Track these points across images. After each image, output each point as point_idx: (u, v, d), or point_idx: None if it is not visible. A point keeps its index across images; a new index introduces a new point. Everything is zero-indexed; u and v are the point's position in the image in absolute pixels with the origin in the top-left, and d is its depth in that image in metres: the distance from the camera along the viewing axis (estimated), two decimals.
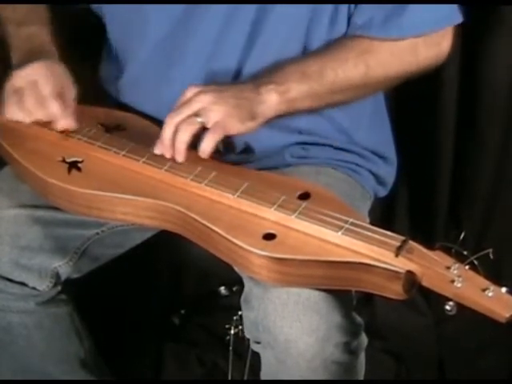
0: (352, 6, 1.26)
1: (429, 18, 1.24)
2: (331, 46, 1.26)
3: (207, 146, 1.15)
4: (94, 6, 1.38)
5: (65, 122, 1.25)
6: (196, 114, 1.15)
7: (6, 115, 1.26)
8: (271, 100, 1.18)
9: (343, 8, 1.26)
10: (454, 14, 1.27)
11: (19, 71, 1.24)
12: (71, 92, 1.26)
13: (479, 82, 1.76)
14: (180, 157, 1.16)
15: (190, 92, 1.17)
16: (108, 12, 1.35)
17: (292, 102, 1.20)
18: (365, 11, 1.25)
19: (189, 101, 1.16)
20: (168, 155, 1.17)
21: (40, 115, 1.25)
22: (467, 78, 1.74)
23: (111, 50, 1.39)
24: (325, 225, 1.07)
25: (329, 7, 1.25)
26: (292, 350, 1.11)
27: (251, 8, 1.24)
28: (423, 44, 1.25)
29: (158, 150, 1.19)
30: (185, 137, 1.15)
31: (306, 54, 1.26)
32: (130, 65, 1.35)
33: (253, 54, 1.27)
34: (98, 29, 1.40)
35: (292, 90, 1.19)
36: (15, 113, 1.25)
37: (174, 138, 1.16)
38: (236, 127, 1.16)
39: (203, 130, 1.16)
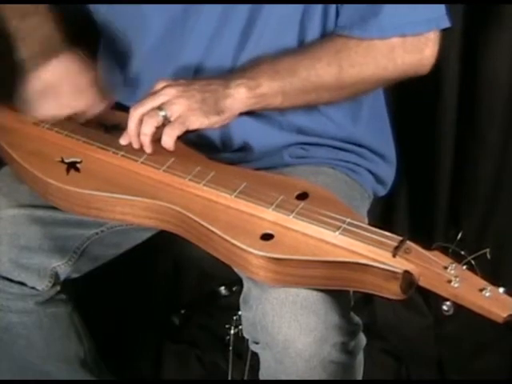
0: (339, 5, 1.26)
1: (410, 19, 1.21)
2: (308, 45, 1.26)
3: (166, 140, 1.16)
4: (91, 6, 1.37)
5: (104, 105, 1.27)
6: (159, 108, 1.16)
7: (41, 112, 1.26)
8: (239, 94, 1.18)
9: (332, 8, 1.26)
10: (440, 19, 1.23)
11: (44, 68, 1.24)
12: (95, 75, 1.27)
13: (479, 81, 1.76)
14: (146, 148, 1.18)
15: (158, 85, 1.19)
16: (105, 12, 1.35)
17: (262, 97, 1.20)
18: (346, 11, 1.24)
19: (154, 94, 1.17)
20: (136, 145, 1.19)
21: (80, 106, 1.26)
22: (467, 77, 1.74)
23: (108, 50, 1.39)
24: (322, 225, 1.07)
25: (319, 8, 1.25)
26: (290, 349, 1.11)
27: (245, 6, 1.24)
28: (401, 48, 1.22)
29: (124, 141, 1.21)
30: (147, 129, 1.16)
31: (283, 51, 1.25)
32: (127, 64, 1.35)
33: (246, 50, 1.27)
34: (95, 28, 1.40)
35: (263, 85, 1.19)
36: (52, 108, 1.26)
37: (138, 129, 1.18)
38: (198, 121, 1.16)
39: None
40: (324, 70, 1.21)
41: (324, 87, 1.23)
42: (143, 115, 1.17)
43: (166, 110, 1.16)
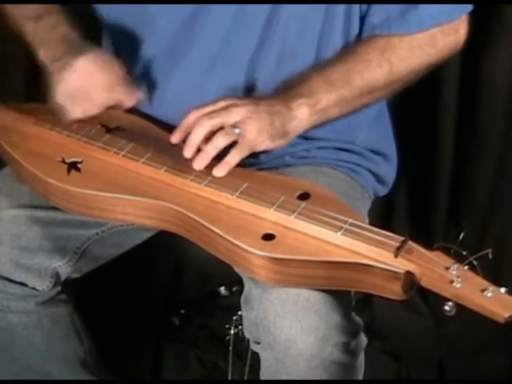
0: (364, 6, 1.26)
1: (445, 8, 1.25)
2: (350, 49, 1.26)
3: (233, 159, 1.14)
4: (97, 7, 1.37)
5: (135, 98, 1.27)
6: (233, 126, 1.14)
7: (77, 115, 1.25)
8: (302, 114, 1.18)
9: (355, 8, 1.26)
10: (466, 3, 1.28)
11: (70, 71, 1.23)
12: (121, 70, 1.27)
13: (479, 81, 1.76)
14: (203, 162, 1.14)
15: (225, 102, 1.16)
16: (111, 12, 1.34)
17: (323, 111, 1.20)
18: (380, 10, 1.25)
19: (225, 110, 1.15)
20: (189, 155, 1.15)
21: (112, 102, 1.26)
22: (467, 77, 1.74)
23: (113, 50, 1.39)
24: (324, 225, 1.07)
25: (341, 8, 1.26)
26: (291, 349, 1.11)
27: (262, 9, 1.24)
28: (441, 33, 1.26)
29: (175, 140, 1.17)
30: (220, 144, 1.13)
31: (327, 60, 1.25)
32: (132, 64, 1.35)
33: (265, 53, 1.26)
34: (100, 28, 1.40)
35: (322, 100, 1.19)
36: (86, 110, 1.25)
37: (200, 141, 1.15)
38: (265, 144, 1.15)
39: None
40: (375, 72, 1.23)
41: (377, 88, 1.24)
42: (215, 128, 1.14)
43: (240, 130, 1.14)
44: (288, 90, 1.20)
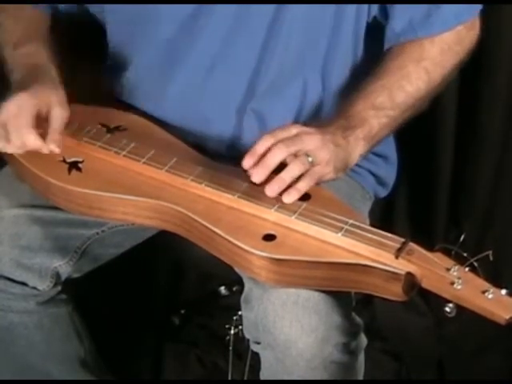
0: (372, 7, 1.26)
1: (465, 5, 1.26)
2: (386, 64, 1.25)
3: (303, 187, 1.11)
4: (95, 8, 1.37)
5: (46, 149, 1.21)
6: (306, 154, 1.12)
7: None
8: (360, 146, 1.18)
9: (363, 11, 1.26)
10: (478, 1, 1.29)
11: (4, 104, 1.21)
12: (59, 115, 1.22)
13: (479, 81, 1.76)
14: (276, 189, 1.11)
15: (296, 129, 1.14)
16: (111, 13, 1.34)
17: (375, 138, 1.20)
18: (400, 15, 1.25)
19: (299, 138, 1.13)
20: (258, 179, 1.11)
21: (31, 144, 1.21)
22: (467, 77, 1.74)
23: (114, 51, 1.39)
24: (324, 226, 1.07)
25: (352, 9, 1.25)
26: (291, 350, 1.11)
27: (266, 10, 1.24)
28: (465, 30, 1.27)
29: (247, 165, 1.13)
30: (296, 172, 1.11)
31: (368, 82, 1.23)
32: (133, 65, 1.35)
33: (270, 53, 1.26)
34: (100, 29, 1.40)
35: (374, 127, 1.19)
36: (4, 146, 1.22)
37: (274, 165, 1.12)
38: (329, 176, 1.15)
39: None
40: (416, 84, 1.23)
41: (420, 98, 1.25)
42: (287, 155, 1.11)
43: (313, 158, 1.12)
44: (342, 120, 1.19)
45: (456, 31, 1.26)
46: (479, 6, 1.28)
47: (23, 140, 1.20)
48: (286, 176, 1.11)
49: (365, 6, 1.26)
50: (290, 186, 1.11)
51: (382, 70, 1.24)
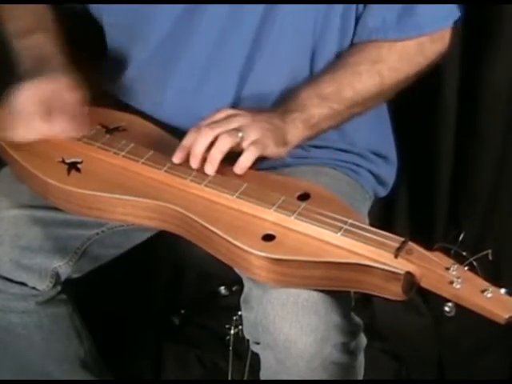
0: (360, 6, 1.27)
1: (440, 14, 1.26)
2: (342, 60, 1.26)
3: (247, 160, 1.13)
4: (92, 7, 1.37)
5: (75, 133, 1.24)
6: (236, 130, 1.14)
7: (10, 135, 1.23)
8: (297, 128, 1.19)
9: (352, 10, 1.27)
10: (455, 10, 1.29)
11: (19, 92, 1.21)
12: (75, 100, 1.24)
13: (479, 81, 1.76)
14: (212, 167, 1.14)
15: (224, 112, 1.16)
16: (107, 13, 1.35)
17: (316, 126, 1.21)
18: (376, 12, 1.26)
19: (226, 118, 1.15)
20: (195, 165, 1.15)
21: (47, 132, 1.23)
22: (467, 77, 1.74)
23: (111, 50, 1.39)
24: (324, 226, 1.07)
25: (339, 8, 1.26)
26: (291, 350, 1.11)
27: (256, 9, 1.24)
28: (429, 41, 1.27)
29: (177, 159, 1.16)
30: (225, 146, 1.12)
31: (320, 73, 1.26)
32: (130, 65, 1.35)
33: (261, 51, 1.27)
34: (99, 28, 1.40)
35: (315, 115, 1.20)
36: (20, 133, 1.23)
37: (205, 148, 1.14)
38: (271, 148, 1.15)
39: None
40: (367, 84, 1.24)
41: (368, 98, 1.25)
42: (213, 138, 1.13)
43: (244, 132, 1.13)
44: (283, 106, 1.21)
45: (418, 42, 1.26)
46: (452, 18, 1.28)
47: (53, 125, 1.21)
48: (215, 151, 1.12)
49: (353, 6, 1.27)
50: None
51: (337, 64, 1.26)
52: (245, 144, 1.14)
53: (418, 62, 1.28)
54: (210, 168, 1.14)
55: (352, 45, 1.29)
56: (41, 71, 1.24)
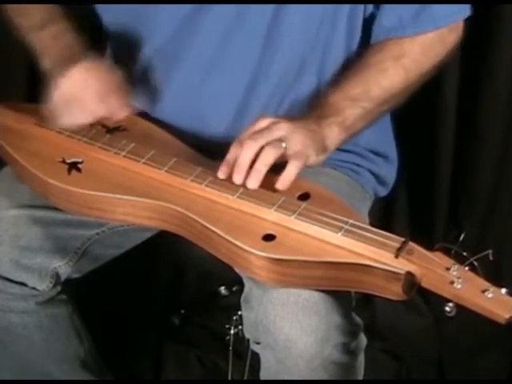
0: (368, 6, 1.27)
1: (455, 7, 1.27)
2: (365, 59, 1.26)
3: (292, 172, 1.11)
4: (96, 7, 1.37)
5: (130, 110, 1.25)
6: (279, 140, 1.12)
7: (66, 122, 1.24)
8: (333, 132, 1.18)
9: (359, 10, 1.27)
10: (466, 7, 1.29)
11: (65, 78, 1.22)
12: (119, 79, 1.25)
13: (479, 81, 1.76)
14: (257, 181, 1.11)
15: (265, 121, 1.14)
16: (110, 13, 1.35)
17: (350, 128, 1.21)
18: (392, 12, 1.26)
19: (268, 128, 1.13)
20: (240, 180, 1.12)
21: (102, 112, 1.24)
22: (467, 77, 1.74)
23: (113, 50, 1.39)
24: (324, 226, 1.07)
25: (346, 9, 1.26)
26: (291, 350, 1.11)
27: (265, 10, 1.24)
28: (447, 31, 1.28)
29: (223, 175, 1.14)
30: (270, 159, 1.10)
31: (345, 75, 1.25)
32: (132, 65, 1.35)
33: (271, 51, 1.26)
34: (100, 28, 1.40)
35: (348, 117, 1.20)
36: (78, 117, 1.24)
37: (248, 163, 1.11)
38: (312, 158, 1.14)
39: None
40: (393, 80, 1.24)
41: (396, 94, 1.25)
42: (258, 149, 1.11)
43: (286, 143, 1.12)
44: (315, 111, 1.20)
45: (438, 32, 1.26)
46: (469, 8, 1.28)
47: (107, 104, 1.23)
48: (259, 165, 1.10)
49: (360, 7, 1.27)
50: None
51: (360, 64, 1.26)
52: (288, 154, 1.12)
53: (439, 53, 1.28)
54: (254, 182, 1.11)
55: (369, 46, 1.29)
56: (73, 57, 1.25)
